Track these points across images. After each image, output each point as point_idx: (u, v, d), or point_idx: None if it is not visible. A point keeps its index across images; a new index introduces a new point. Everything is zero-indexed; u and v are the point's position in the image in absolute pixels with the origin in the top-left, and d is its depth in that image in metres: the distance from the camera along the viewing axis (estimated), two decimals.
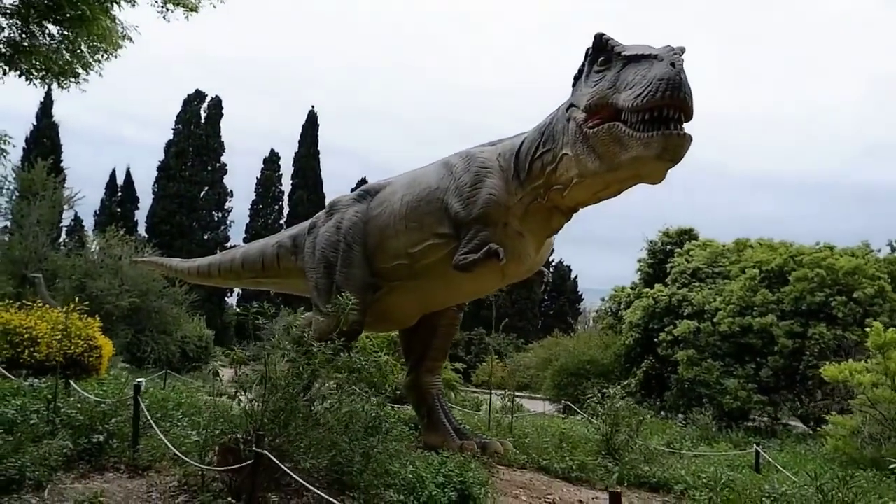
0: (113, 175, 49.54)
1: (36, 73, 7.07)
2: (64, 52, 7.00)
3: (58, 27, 6.86)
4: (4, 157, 8.15)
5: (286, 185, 51.79)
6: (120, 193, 49.24)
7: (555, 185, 6.70)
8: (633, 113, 5.52)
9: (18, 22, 6.75)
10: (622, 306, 26.59)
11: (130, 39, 7.45)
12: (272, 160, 52.20)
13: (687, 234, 26.39)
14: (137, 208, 49.23)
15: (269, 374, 5.70)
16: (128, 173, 49.66)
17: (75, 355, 13.57)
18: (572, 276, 57.32)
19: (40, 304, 15.33)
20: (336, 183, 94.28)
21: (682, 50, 5.67)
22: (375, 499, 5.67)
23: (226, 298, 47.63)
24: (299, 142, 51.47)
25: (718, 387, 19.92)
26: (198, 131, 48.80)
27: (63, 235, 34.56)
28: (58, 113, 45.76)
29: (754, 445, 10.55)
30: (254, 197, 51.37)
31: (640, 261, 26.97)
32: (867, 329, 12.23)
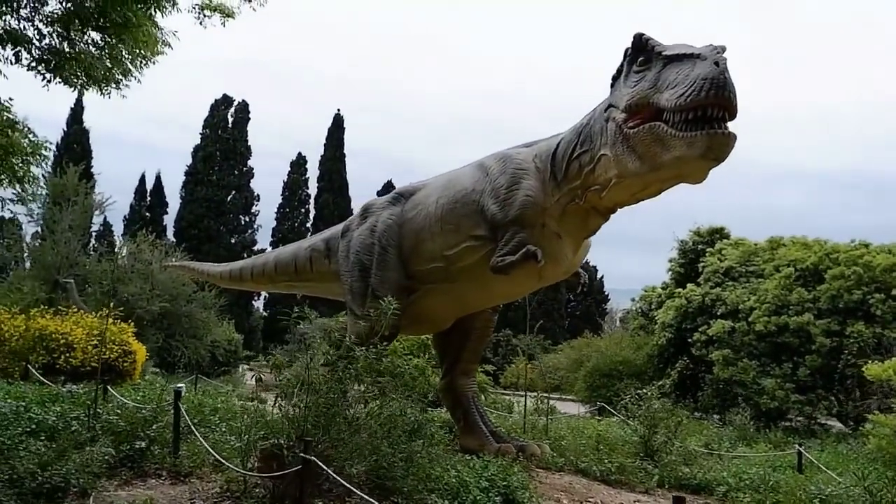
0: (142, 180, 50.23)
1: (76, 81, 7.10)
2: (105, 58, 7.04)
3: (100, 34, 6.90)
4: (45, 163, 8.20)
5: (312, 188, 51.94)
6: (149, 198, 49.82)
7: (592, 186, 6.63)
8: (677, 112, 5.46)
9: (60, 29, 6.81)
10: (653, 306, 26.32)
11: (169, 45, 7.47)
12: (299, 164, 52.28)
13: (718, 233, 26.02)
14: (167, 213, 49.80)
15: (311, 378, 5.68)
16: (157, 178, 50.34)
17: (110, 360, 13.73)
18: (598, 276, 56.94)
19: (74, 310, 15.56)
20: (361, 186, 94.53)
21: (724, 48, 5.61)
22: None
23: (252, 302, 47.87)
24: (325, 145, 51.45)
25: (755, 387, 19.64)
26: (225, 136, 49.07)
27: (93, 241, 35.00)
28: (87, 119, 46.53)
29: (796, 445, 10.37)
30: (280, 200, 51.48)
31: (670, 260, 26.64)
32: None
